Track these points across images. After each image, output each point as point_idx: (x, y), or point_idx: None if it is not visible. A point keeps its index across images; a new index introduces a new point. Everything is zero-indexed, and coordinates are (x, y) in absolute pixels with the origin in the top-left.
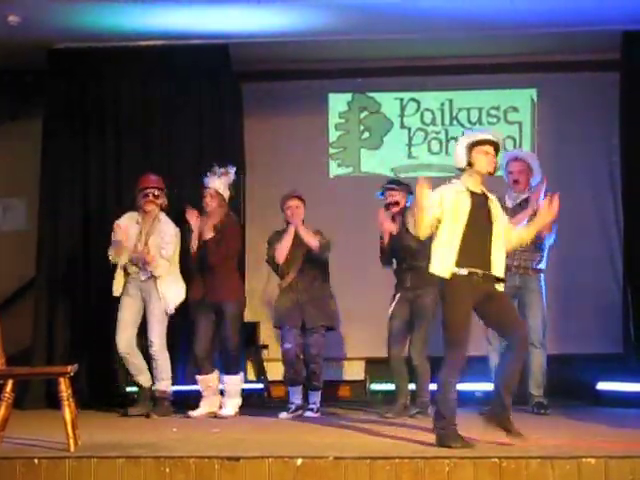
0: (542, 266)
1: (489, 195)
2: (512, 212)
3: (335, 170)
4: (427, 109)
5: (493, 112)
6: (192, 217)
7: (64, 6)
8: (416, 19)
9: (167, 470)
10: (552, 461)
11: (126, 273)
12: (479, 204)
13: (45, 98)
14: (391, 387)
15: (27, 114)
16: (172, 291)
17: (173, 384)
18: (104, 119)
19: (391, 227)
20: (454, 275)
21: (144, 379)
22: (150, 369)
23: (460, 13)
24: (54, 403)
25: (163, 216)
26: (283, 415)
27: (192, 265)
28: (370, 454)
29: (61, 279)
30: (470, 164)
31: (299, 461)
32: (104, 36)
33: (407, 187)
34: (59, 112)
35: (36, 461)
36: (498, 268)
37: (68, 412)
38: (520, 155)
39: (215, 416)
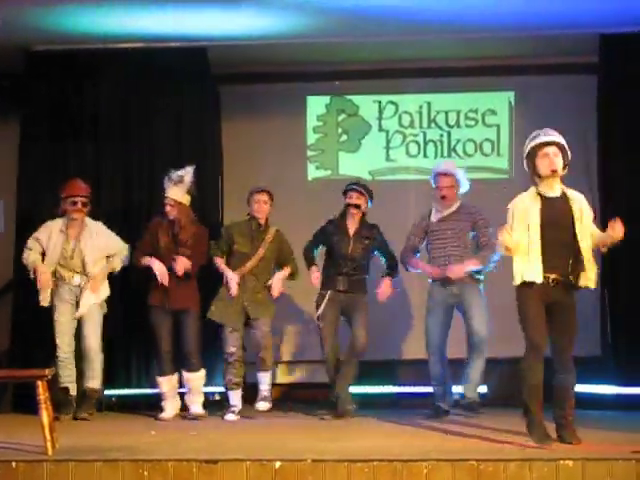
0: (480, 276)
1: (570, 196)
2: (436, 226)
3: (313, 173)
4: (405, 112)
5: (471, 115)
6: (181, 267)
7: (43, 8)
8: (394, 22)
9: (145, 473)
10: (530, 463)
11: (55, 277)
12: (552, 207)
13: (23, 101)
14: (372, 389)
15: (5, 117)
16: (103, 287)
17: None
18: (83, 122)
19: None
20: (523, 282)
21: (74, 387)
22: (81, 368)
23: (438, 16)
24: (31, 407)
25: (90, 221)
26: (230, 417)
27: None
28: (348, 457)
29: (37, 284)
30: (534, 170)
31: (277, 464)
32: (83, 38)
33: (369, 192)
34: (37, 115)
35: (14, 464)
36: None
37: (46, 415)
38: (448, 170)
39: (192, 418)
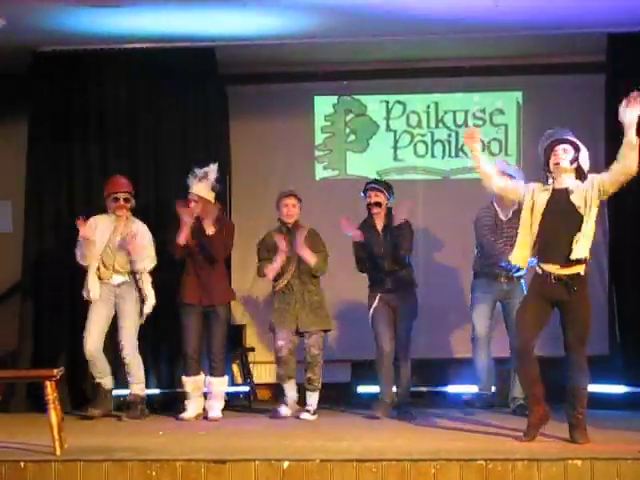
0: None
1: (573, 188)
2: (507, 224)
3: (321, 173)
4: (413, 112)
5: (479, 114)
6: (185, 213)
7: (49, 9)
8: (401, 22)
9: (153, 473)
10: (538, 463)
11: (98, 278)
12: (557, 198)
13: (30, 101)
14: (378, 389)
15: (12, 117)
16: (152, 291)
17: (156, 387)
18: (89, 122)
19: (356, 235)
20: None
21: (107, 381)
22: (119, 372)
23: (445, 15)
24: (39, 406)
25: (136, 221)
26: (283, 410)
27: (177, 258)
28: (356, 456)
29: (47, 282)
30: (547, 165)
31: (285, 464)
32: (90, 39)
33: (389, 188)
34: (44, 115)
35: (22, 464)
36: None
37: (54, 415)
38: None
39: (205, 418)
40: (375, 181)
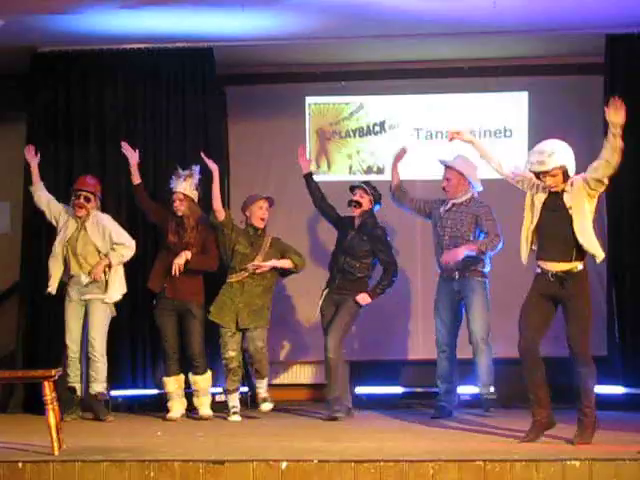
0: (485, 269)
1: (567, 189)
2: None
3: (317, 173)
4: (412, 112)
5: (481, 116)
6: (128, 152)
7: (48, 9)
8: (399, 22)
9: (152, 474)
10: (537, 464)
11: (66, 275)
12: (554, 200)
13: (29, 101)
14: (376, 390)
15: (11, 118)
16: (115, 285)
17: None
18: (88, 122)
19: (303, 166)
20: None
21: (80, 387)
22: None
23: (443, 15)
24: (38, 407)
25: (101, 215)
26: (235, 418)
27: (141, 206)
28: (355, 457)
29: (44, 283)
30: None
31: (284, 464)
32: (89, 39)
33: (375, 191)
34: (43, 115)
35: (20, 465)
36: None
37: (52, 416)
38: (449, 163)
39: (201, 418)
40: (366, 182)
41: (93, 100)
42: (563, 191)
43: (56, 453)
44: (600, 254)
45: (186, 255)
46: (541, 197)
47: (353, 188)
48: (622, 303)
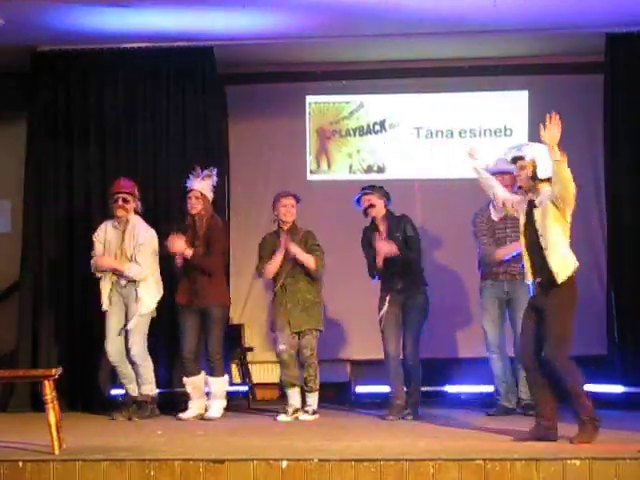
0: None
1: (537, 203)
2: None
3: (317, 172)
4: (413, 111)
5: (481, 115)
6: (173, 246)
7: (48, 8)
8: (399, 21)
9: (152, 473)
10: (537, 463)
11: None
12: (530, 211)
13: (29, 101)
14: (376, 389)
15: (11, 117)
16: (149, 294)
17: (158, 387)
18: (88, 121)
19: (392, 250)
20: None
21: (133, 388)
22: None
23: (443, 15)
24: (39, 406)
25: (136, 219)
26: (282, 417)
27: (177, 269)
28: (355, 456)
29: (45, 282)
30: None
31: (284, 463)
32: (89, 39)
33: (382, 190)
34: (43, 115)
35: (20, 464)
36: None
37: (52, 415)
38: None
39: (202, 418)
40: (366, 187)
41: (93, 100)
42: (534, 207)
43: (56, 452)
44: (563, 275)
45: (187, 253)
46: (523, 210)
47: (359, 199)
48: (622, 303)
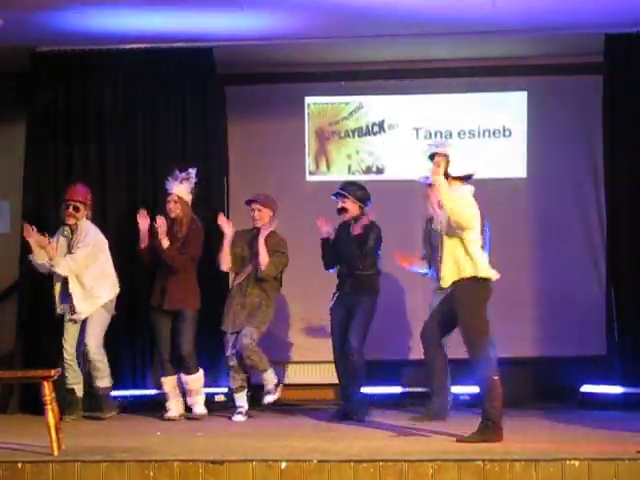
0: None
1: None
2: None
3: (316, 173)
4: (411, 112)
5: (481, 116)
6: (141, 219)
7: (48, 9)
8: (399, 22)
9: (151, 474)
10: (536, 464)
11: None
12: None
13: (28, 101)
14: (375, 390)
15: (11, 117)
16: (99, 290)
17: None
18: (87, 122)
19: (329, 232)
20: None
21: (80, 387)
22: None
23: (443, 15)
24: (38, 407)
25: (87, 224)
26: (238, 418)
27: (142, 257)
28: (354, 457)
29: (44, 282)
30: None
31: (283, 464)
32: (89, 39)
33: (360, 193)
34: (42, 115)
35: (20, 465)
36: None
37: (51, 416)
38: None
39: (192, 418)
40: (343, 186)
41: (93, 100)
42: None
43: (56, 453)
44: (448, 280)
45: (164, 243)
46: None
47: (336, 195)
48: (622, 303)
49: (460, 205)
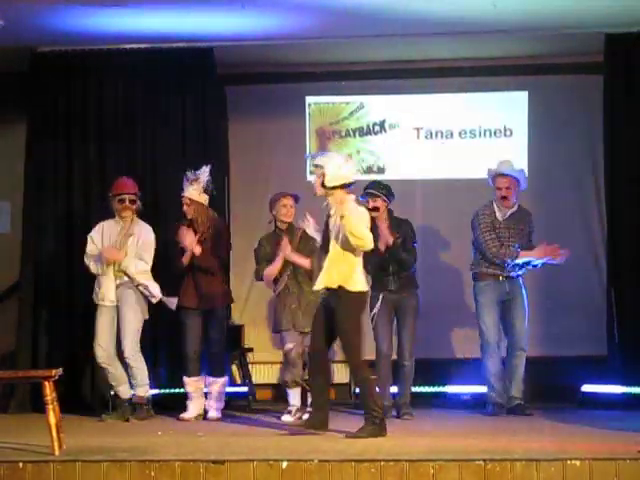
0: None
1: (333, 212)
2: (504, 224)
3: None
4: (413, 112)
5: (482, 115)
6: (185, 238)
7: (48, 9)
8: (399, 21)
9: (152, 474)
10: (537, 463)
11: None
12: (328, 223)
13: (29, 101)
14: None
15: (11, 117)
16: (156, 290)
17: (159, 387)
18: (88, 122)
19: (390, 239)
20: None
21: (123, 390)
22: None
23: (443, 15)
24: (39, 407)
25: (140, 221)
26: (286, 418)
27: (180, 268)
28: (355, 457)
29: (45, 282)
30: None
31: (284, 464)
32: (89, 39)
33: (386, 190)
34: (43, 115)
35: (21, 465)
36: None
37: (52, 416)
38: (506, 171)
39: (204, 419)
40: (372, 186)
41: (93, 100)
42: (329, 214)
43: (56, 453)
44: (320, 285)
45: (197, 250)
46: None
47: (365, 196)
48: (622, 303)
49: (361, 229)
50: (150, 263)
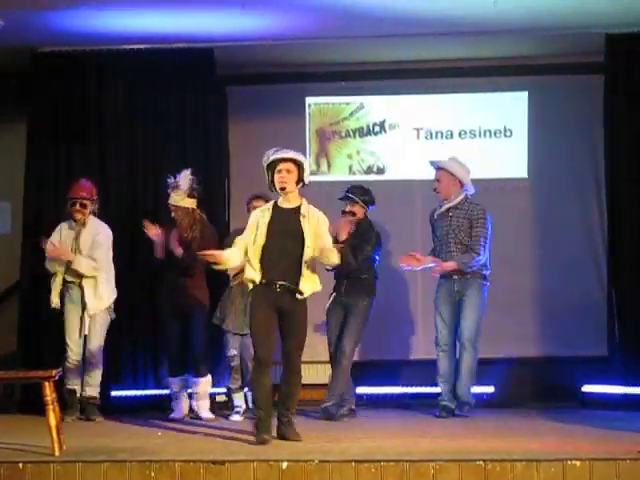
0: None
1: (305, 211)
2: (437, 218)
3: (317, 174)
4: (412, 112)
5: (482, 115)
6: (150, 232)
7: (48, 9)
8: (399, 22)
9: (152, 474)
10: (537, 464)
11: (65, 282)
12: (283, 218)
13: (29, 102)
14: (376, 390)
15: (12, 118)
16: (107, 291)
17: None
18: (88, 123)
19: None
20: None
21: (79, 388)
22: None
23: (443, 15)
24: (39, 407)
25: (94, 220)
26: (236, 418)
27: (159, 262)
28: (355, 457)
29: (45, 283)
30: (271, 182)
31: (284, 465)
32: (89, 39)
33: (366, 196)
34: (43, 116)
35: (21, 465)
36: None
37: (52, 416)
38: (441, 164)
39: (199, 419)
40: (353, 191)
41: (93, 100)
42: (300, 213)
43: (57, 454)
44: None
45: (177, 251)
46: (267, 217)
47: (343, 198)
48: (622, 303)
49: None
50: (101, 261)
